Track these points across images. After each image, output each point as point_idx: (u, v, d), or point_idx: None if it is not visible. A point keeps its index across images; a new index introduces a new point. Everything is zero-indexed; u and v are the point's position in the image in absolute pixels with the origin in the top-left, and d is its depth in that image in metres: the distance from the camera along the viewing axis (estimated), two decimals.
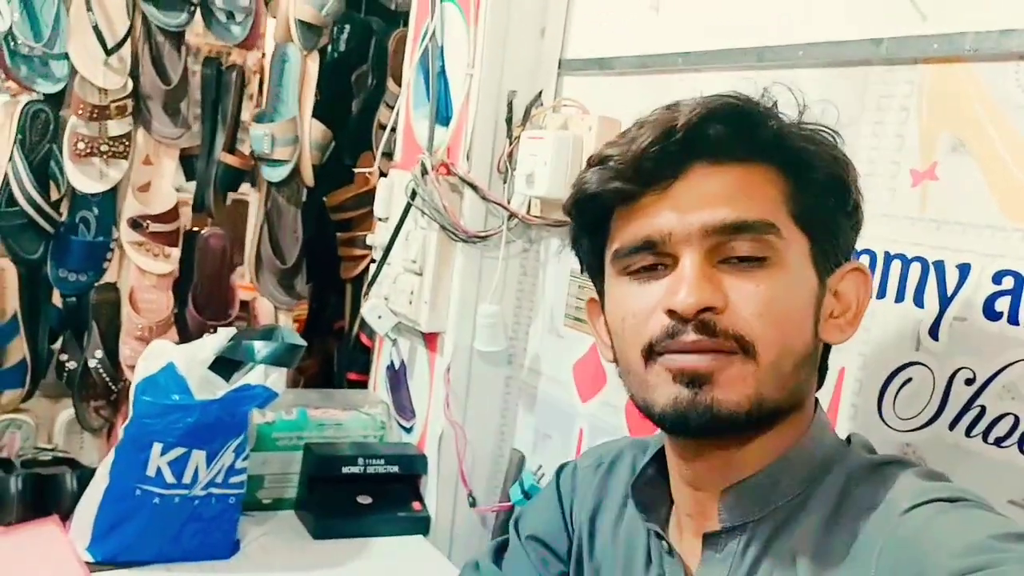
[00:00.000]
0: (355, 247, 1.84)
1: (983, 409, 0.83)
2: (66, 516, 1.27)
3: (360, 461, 1.45)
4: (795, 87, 0.76)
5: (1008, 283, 0.81)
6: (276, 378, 1.27)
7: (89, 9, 1.60)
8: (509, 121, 1.42)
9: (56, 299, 1.78)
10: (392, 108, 1.69)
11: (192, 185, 1.86)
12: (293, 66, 1.75)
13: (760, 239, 0.67)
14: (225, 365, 1.26)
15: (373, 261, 1.64)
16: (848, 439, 0.74)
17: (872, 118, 0.94)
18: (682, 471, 0.75)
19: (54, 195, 1.68)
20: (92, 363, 1.74)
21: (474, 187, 1.42)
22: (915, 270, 0.89)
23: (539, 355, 1.46)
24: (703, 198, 0.67)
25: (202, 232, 1.84)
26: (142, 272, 1.73)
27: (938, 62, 0.88)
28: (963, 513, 0.60)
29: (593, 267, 0.78)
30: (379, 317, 1.55)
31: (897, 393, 0.90)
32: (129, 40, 1.65)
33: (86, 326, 1.75)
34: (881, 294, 0.92)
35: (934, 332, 0.87)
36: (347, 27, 1.88)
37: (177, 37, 1.71)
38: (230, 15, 1.70)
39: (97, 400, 1.77)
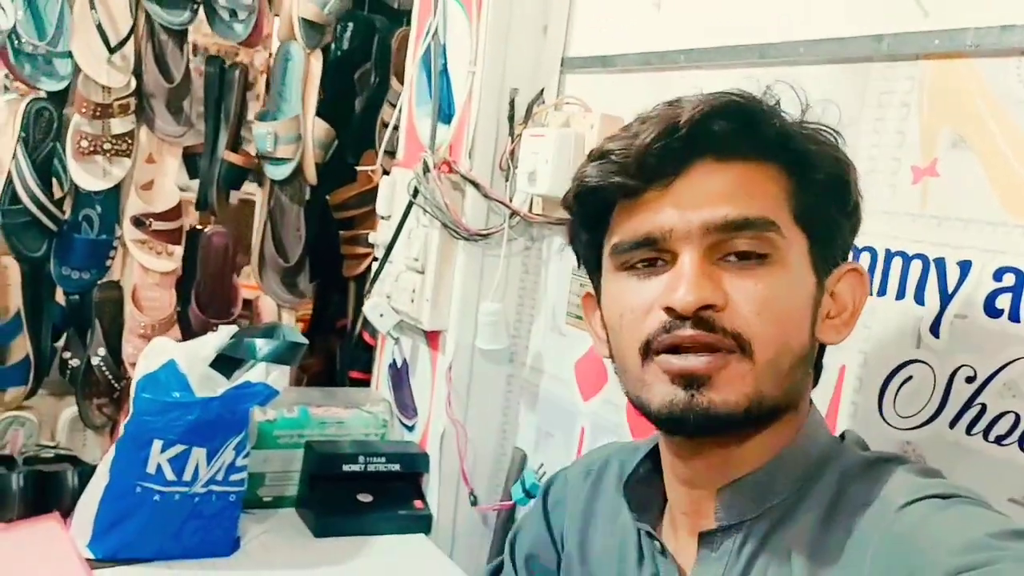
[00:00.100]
0: (358, 245, 1.84)
1: (984, 407, 0.82)
2: (67, 513, 1.27)
3: (361, 459, 1.45)
4: (797, 85, 0.75)
5: (1009, 280, 0.81)
6: (277, 376, 1.27)
7: (92, 7, 1.60)
8: (511, 119, 1.42)
9: (59, 297, 1.79)
10: (395, 106, 1.69)
11: (195, 183, 1.86)
12: (296, 64, 1.75)
13: (761, 236, 0.66)
14: (226, 363, 1.26)
15: (375, 259, 1.64)
16: (842, 436, 0.74)
17: (873, 115, 0.94)
18: (678, 470, 0.74)
19: (57, 193, 1.68)
20: (95, 361, 1.74)
21: (476, 185, 1.41)
22: (916, 267, 0.89)
23: (541, 353, 1.45)
24: (705, 195, 0.67)
25: (205, 230, 1.84)
26: (145, 270, 1.73)
27: (939, 58, 0.88)
28: (959, 510, 0.60)
29: (590, 261, 0.78)
30: (381, 315, 1.55)
31: (898, 391, 0.90)
32: (132, 38, 1.65)
33: (89, 324, 1.75)
34: (882, 291, 0.92)
35: (935, 329, 0.87)
36: (350, 25, 1.88)
37: (180, 35, 1.71)
38: (233, 13, 1.70)
39: (100, 398, 1.77)
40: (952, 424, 0.84)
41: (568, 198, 0.75)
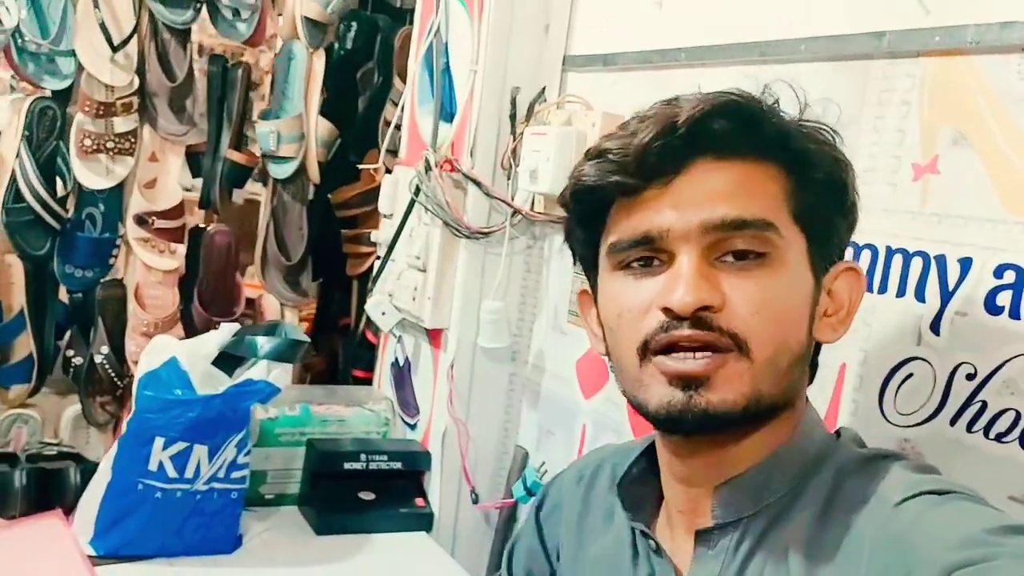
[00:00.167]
0: (360, 244, 1.84)
1: (984, 404, 0.82)
2: (70, 510, 1.28)
3: (363, 457, 1.45)
4: (796, 84, 0.75)
5: (1009, 277, 0.81)
6: (279, 373, 1.27)
7: (96, 6, 1.61)
8: (513, 117, 1.42)
9: (62, 295, 1.79)
10: (398, 105, 1.69)
11: (198, 182, 1.87)
12: (299, 63, 1.75)
13: (760, 236, 0.66)
14: (228, 360, 1.27)
15: (378, 258, 1.64)
16: (837, 433, 0.74)
17: (873, 112, 0.94)
18: (675, 468, 0.74)
19: (61, 191, 1.70)
20: (98, 359, 1.74)
21: (478, 183, 1.42)
22: (916, 265, 0.89)
23: (543, 351, 1.45)
24: (704, 194, 0.67)
25: (208, 229, 1.85)
26: (148, 268, 1.74)
27: (939, 55, 0.88)
28: (955, 506, 0.60)
29: (587, 259, 0.77)
30: (383, 313, 1.55)
31: (898, 389, 0.90)
32: (135, 37, 1.66)
33: (92, 322, 1.76)
34: (882, 289, 0.92)
35: (935, 327, 0.87)
36: (354, 25, 1.88)
37: (183, 34, 1.72)
38: (236, 12, 1.70)
39: (103, 396, 1.77)
40: (952, 422, 0.84)
41: (565, 196, 0.75)
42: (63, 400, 1.82)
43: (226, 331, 1.28)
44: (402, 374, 1.62)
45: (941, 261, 0.87)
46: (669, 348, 0.66)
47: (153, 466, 1.19)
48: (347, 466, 1.44)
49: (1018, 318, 0.80)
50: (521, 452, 1.47)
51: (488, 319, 1.43)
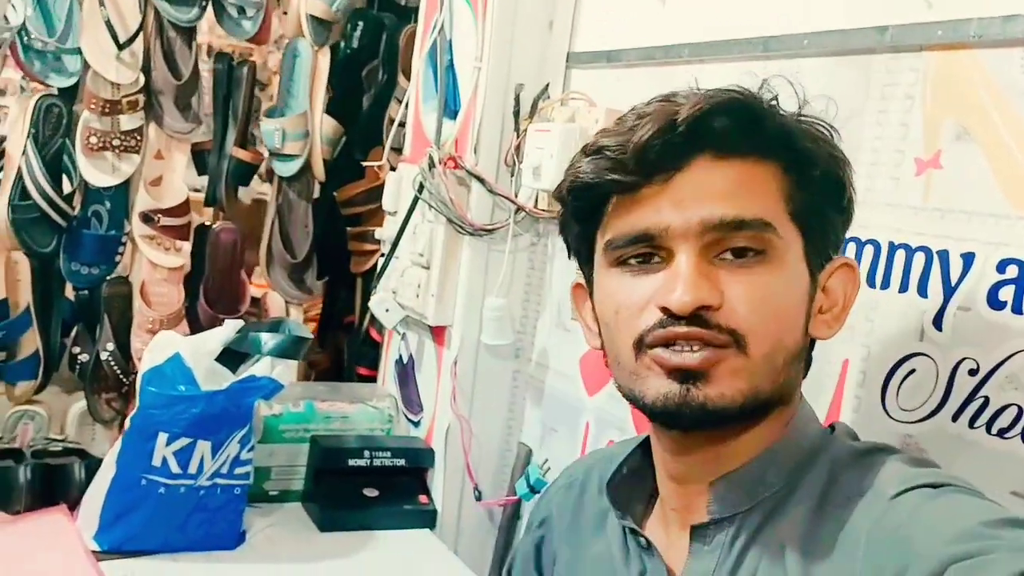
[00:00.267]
0: (365, 242, 1.84)
1: (986, 400, 0.82)
2: (74, 506, 1.28)
3: (366, 454, 1.45)
4: (795, 80, 0.75)
5: (1012, 272, 0.80)
6: (282, 370, 1.27)
7: (101, 4, 1.61)
8: (516, 114, 1.42)
9: (69, 292, 1.80)
10: (402, 103, 1.69)
11: (204, 180, 1.87)
12: (304, 61, 1.76)
13: (759, 236, 0.66)
14: (232, 357, 1.27)
15: (383, 255, 1.64)
16: (832, 427, 0.74)
17: (876, 107, 0.94)
18: (670, 465, 0.74)
19: (67, 189, 1.70)
20: (104, 356, 1.75)
21: (481, 180, 1.42)
22: (919, 260, 0.88)
23: (546, 348, 1.45)
24: (704, 193, 0.66)
25: (213, 226, 1.85)
26: (153, 266, 1.75)
27: (942, 49, 0.87)
28: (951, 499, 0.59)
29: (582, 253, 0.77)
30: (387, 310, 1.55)
31: (901, 384, 0.89)
32: (141, 35, 1.66)
33: (98, 319, 1.77)
34: (885, 285, 0.91)
35: (938, 322, 0.86)
36: (360, 24, 1.88)
37: (188, 32, 1.72)
38: (241, 10, 1.71)
39: (109, 392, 1.78)
40: (955, 417, 0.84)
41: (561, 191, 0.74)
42: (69, 397, 1.83)
43: (230, 328, 1.28)
44: (406, 371, 1.62)
45: (944, 256, 0.86)
46: (665, 343, 0.66)
47: (157, 462, 1.20)
48: (351, 463, 1.44)
49: (1020, 313, 0.79)
50: (524, 449, 1.47)
51: (491, 316, 1.43)
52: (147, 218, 1.73)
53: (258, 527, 1.35)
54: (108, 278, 1.75)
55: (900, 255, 0.90)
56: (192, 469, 1.21)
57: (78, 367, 1.79)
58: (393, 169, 1.65)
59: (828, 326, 0.71)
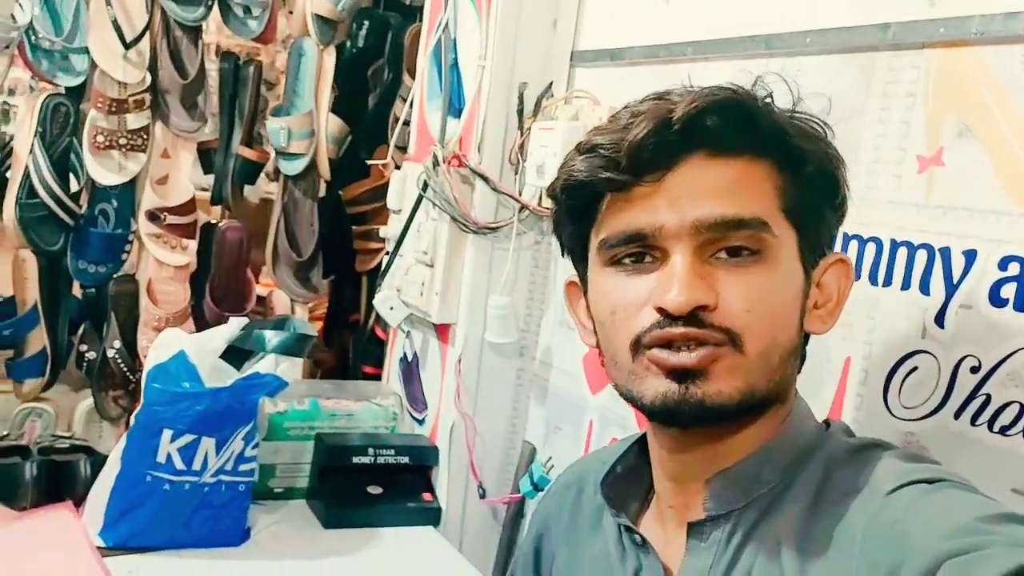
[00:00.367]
0: (370, 240, 1.85)
1: (988, 397, 0.81)
2: (80, 502, 1.29)
3: (371, 451, 1.45)
4: (797, 78, 0.75)
5: (1014, 269, 0.80)
6: (287, 367, 1.28)
7: (108, 4, 1.62)
8: (520, 112, 1.42)
9: (76, 290, 1.81)
10: (407, 102, 1.69)
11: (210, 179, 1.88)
12: (309, 60, 1.76)
13: (754, 235, 0.66)
14: (236, 354, 1.27)
15: (387, 254, 1.65)
16: (827, 424, 0.74)
17: (878, 104, 0.93)
18: (667, 463, 0.74)
19: (74, 187, 1.71)
20: (111, 353, 1.76)
21: (485, 178, 1.42)
22: (921, 257, 0.88)
23: (550, 347, 1.45)
24: (698, 192, 0.66)
25: (219, 225, 1.86)
26: (160, 264, 1.75)
27: (944, 46, 0.87)
28: (947, 494, 0.59)
29: (576, 252, 0.77)
30: (391, 309, 1.55)
31: (903, 382, 0.89)
32: (147, 34, 1.67)
33: (105, 317, 1.78)
34: (887, 282, 0.91)
35: (940, 320, 0.86)
36: (366, 23, 1.89)
37: (195, 31, 1.73)
38: (247, 10, 1.71)
39: (115, 390, 1.79)
40: (957, 415, 0.84)
41: (555, 189, 0.74)
42: (76, 394, 1.84)
43: (234, 325, 1.28)
44: (410, 369, 1.62)
45: (946, 253, 0.86)
46: (662, 344, 0.66)
47: (161, 458, 1.20)
48: (355, 460, 1.44)
49: (1022, 311, 0.79)
50: (528, 447, 1.47)
51: (495, 314, 1.44)
52: (153, 216, 1.74)
53: (263, 524, 1.35)
54: (115, 276, 1.76)
55: (902, 253, 0.90)
56: (196, 466, 1.22)
57: (85, 365, 1.80)
58: (398, 167, 1.65)
59: (823, 321, 0.72)
